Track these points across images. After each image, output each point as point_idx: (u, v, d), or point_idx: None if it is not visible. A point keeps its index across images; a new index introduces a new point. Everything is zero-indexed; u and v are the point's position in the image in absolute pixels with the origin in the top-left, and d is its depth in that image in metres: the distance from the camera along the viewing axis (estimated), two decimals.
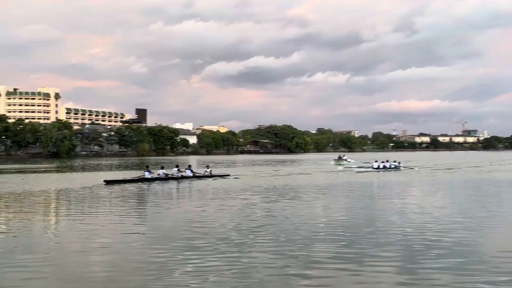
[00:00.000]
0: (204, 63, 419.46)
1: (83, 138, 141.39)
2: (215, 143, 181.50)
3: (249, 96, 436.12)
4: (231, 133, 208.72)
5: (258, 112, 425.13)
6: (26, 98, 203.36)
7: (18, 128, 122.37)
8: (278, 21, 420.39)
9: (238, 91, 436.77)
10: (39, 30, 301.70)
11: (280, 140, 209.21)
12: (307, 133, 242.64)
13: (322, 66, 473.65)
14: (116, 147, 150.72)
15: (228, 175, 37.19)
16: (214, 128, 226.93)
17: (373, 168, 46.75)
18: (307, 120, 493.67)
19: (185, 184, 31.37)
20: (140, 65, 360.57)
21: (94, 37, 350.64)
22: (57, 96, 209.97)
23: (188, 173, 34.08)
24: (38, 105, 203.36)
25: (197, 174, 34.64)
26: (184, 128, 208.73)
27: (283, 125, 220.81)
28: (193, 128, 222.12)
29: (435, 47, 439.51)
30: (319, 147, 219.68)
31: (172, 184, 31.29)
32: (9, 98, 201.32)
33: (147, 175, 32.22)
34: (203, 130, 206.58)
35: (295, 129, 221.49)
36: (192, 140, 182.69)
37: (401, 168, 49.53)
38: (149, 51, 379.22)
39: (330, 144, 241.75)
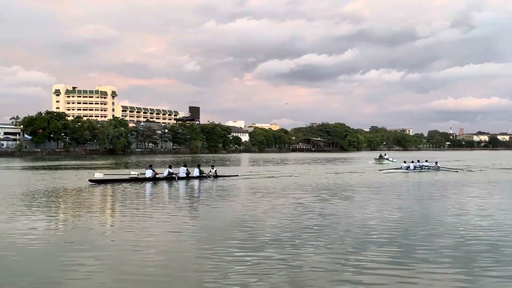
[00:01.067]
0: (256, 61, 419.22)
1: (138, 135, 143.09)
2: (267, 141, 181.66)
3: (301, 93, 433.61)
4: (283, 131, 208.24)
5: (310, 110, 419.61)
6: (84, 96, 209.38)
7: (77, 126, 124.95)
8: (331, 18, 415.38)
9: (290, 89, 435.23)
10: (96, 30, 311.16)
11: (333, 138, 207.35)
12: (360, 131, 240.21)
13: (376, 63, 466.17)
14: (169, 144, 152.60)
15: (237, 175, 35.45)
16: (266, 126, 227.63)
17: (402, 168, 42.60)
18: (360, 118, 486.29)
19: (192, 183, 30.07)
20: (193, 63, 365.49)
21: (149, 36, 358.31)
22: (113, 94, 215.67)
23: (196, 172, 32.44)
24: (96, 103, 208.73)
25: (204, 175, 32.86)
26: (236, 125, 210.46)
27: (336, 123, 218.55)
28: (245, 126, 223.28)
29: (494, 43, 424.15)
30: (372, 145, 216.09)
31: (194, 182, 30.34)
32: (68, 96, 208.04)
33: (147, 174, 30.56)
34: (255, 127, 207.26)
35: (348, 127, 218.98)
36: (244, 138, 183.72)
37: (440, 169, 44.63)
38: (202, 50, 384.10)
39: (384, 143, 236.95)
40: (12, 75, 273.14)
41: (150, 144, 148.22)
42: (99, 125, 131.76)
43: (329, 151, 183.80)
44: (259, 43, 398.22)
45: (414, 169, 42.35)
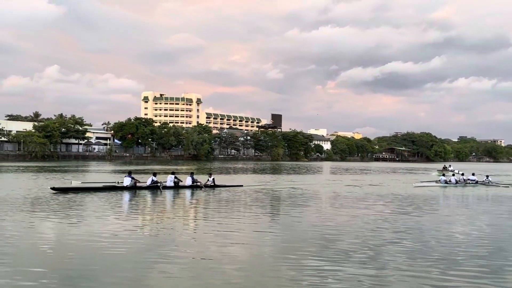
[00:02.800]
0: (339, 69, 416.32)
1: (221, 142, 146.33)
2: (349, 149, 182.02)
3: (386, 102, 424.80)
4: (366, 139, 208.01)
5: (394, 119, 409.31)
6: (171, 103, 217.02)
7: (163, 131, 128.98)
8: (418, 25, 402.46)
9: (374, 97, 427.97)
10: (184, 39, 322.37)
11: (418, 148, 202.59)
12: (447, 141, 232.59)
13: (465, 71, 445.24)
14: (251, 151, 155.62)
15: (241, 185, 32.33)
16: (348, 134, 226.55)
17: (441, 182, 37.25)
18: (447, 127, 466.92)
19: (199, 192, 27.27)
20: (276, 71, 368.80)
21: (234, 45, 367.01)
22: (198, 101, 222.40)
23: (189, 181, 29.37)
24: (182, 110, 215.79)
25: (198, 184, 29.53)
26: (318, 134, 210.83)
27: (421, 132, 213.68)
28: (327, 134, 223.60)
29: None
30: (461, 156, 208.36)
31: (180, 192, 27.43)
32: (156, 103, 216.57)
33: (125, 182, 27.55)
34: (337, 136, 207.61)
35: (434, 137, 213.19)
36: (326, 146, 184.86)
37: (490, 184, 38.12)
38: (285, 57, 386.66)
39: (473, 154, 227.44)
40: (104, 83, 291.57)
41: (233, 150, 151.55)
42: (184, 131, 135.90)
43: (414, 161, 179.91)
44: (342, 51, 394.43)
45: (456, 183, 37.36)
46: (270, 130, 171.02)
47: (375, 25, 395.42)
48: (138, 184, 28.08)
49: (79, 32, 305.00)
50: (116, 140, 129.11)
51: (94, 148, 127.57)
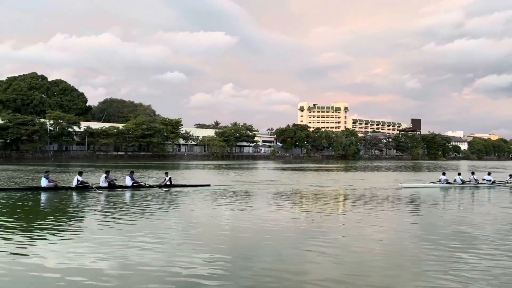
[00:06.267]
0: (474, 77, 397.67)
1: (366, 143, 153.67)
2: (486, 149, 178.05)
3: None
4: (502, 140, 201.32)
5: None
6: (322, 112, 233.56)
7: (316, 135, 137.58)
8: None
9: (509, 101, 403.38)
10: (332, 57, 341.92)
11: None
12: None
13: None
14: (393, 152, 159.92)
15: (208, 185, 27.25)
16: (484, 135, 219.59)
17: (441, 182, 29.91)
18: None
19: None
20: (414, 81, 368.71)
21: (376, 60, 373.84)
22: (345, 110, 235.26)
23: (128, 181, 24.86)
24: (331, 117, 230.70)
25: (141, 183, 25.24)
26: (455, 135, 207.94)
27: None
28: (463, 136, 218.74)
29: None
30: None
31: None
32: (310, 112, 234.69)
33: (43, 182, 22.85)
34: (474, 137, 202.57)
35: None
36: (463, 146, 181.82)
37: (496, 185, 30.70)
38: (422, 68, 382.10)
39: None
40: (267, 96, 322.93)
41: (376, 151, 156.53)
42: (334, 135, 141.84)
43: None
44: (477, 60, 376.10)
45: (462, 183, 30.25)
46: (410, 133, 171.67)
47: (509, 36, 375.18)
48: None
49: (248, 56, 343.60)
50: (278, 143, 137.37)
51: (261, 150, 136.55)
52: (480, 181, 31.10)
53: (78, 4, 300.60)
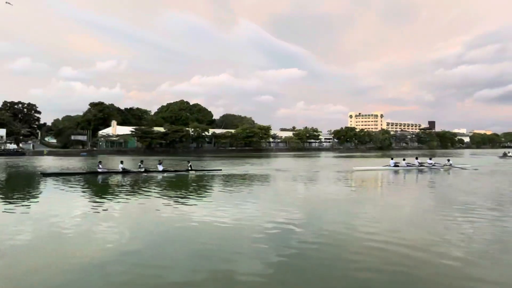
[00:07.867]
0: (473, 91, 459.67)
1: (396, 139, 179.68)
2: (483, 141, 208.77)
3: None
4: (495, 134, 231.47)
5: None
6: (365, 118, 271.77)
7: (361, 134, 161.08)
8: None
9: (500, 107, 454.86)
10: (372, 81, 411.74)
11: None
12: None
13: None
14: (415, 144, 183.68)
15: (220, 169, 29.21)
16: (481, 131, 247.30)
17: (391, 166, 31.08)
18: None
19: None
20: (430, 95, 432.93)
21: (402, 81, 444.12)
22: (381, 116, 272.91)
23: (159, 167, 28.05)
24: (371, 122, 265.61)
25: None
26: (460, 132, 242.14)
27: None
28: (466, 132, 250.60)
29: None
30: None
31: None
32: (356, 118, 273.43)
33: (99, 168, 26.77)
34: (474, 133, 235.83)
35: None
36: (466, 139, 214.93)
37: (452, 167, 33.07)
38: (435, 87, 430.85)
39: None
40: (327, 109, 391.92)
41: (403, 144, 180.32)
42: (373, 134, 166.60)
43: None
44: (475, 80, 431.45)
45: (407, 167, 31.50)
46: (428, 131, 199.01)
47: (498, 62, 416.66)
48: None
49: (314, 83, 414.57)
50: (335, 139, 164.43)
51: (323, 144, 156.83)
52: (426, 164, 33.12)
53: (207, 55, 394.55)
